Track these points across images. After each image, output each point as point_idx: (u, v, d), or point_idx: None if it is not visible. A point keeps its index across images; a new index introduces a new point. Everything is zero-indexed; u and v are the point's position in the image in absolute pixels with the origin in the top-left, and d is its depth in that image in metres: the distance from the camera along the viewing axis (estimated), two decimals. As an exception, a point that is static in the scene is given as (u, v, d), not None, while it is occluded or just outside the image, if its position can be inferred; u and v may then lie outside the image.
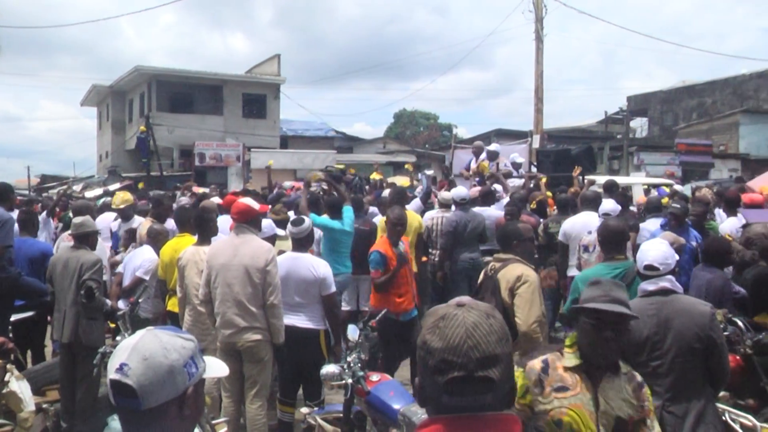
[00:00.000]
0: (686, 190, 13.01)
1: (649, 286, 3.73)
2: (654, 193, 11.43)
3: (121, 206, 8.56)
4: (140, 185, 16.98)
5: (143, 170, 24.24)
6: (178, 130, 29.66)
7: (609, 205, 7.25)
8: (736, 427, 4.09)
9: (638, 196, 11.82)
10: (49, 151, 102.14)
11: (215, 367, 1.81)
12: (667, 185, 13.06)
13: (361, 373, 4.35)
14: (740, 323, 5.05)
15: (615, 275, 4.45)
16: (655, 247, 3.82)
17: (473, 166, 11.75)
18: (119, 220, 8.67)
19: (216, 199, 8.95)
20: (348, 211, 7.59)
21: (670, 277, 3.71)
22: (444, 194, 8.98)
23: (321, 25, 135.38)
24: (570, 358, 2.69)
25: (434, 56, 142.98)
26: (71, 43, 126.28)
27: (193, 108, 31.49)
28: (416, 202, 8.78)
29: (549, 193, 10.14)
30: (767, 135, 30.18)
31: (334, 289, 5.48)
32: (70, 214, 8.39)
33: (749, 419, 4.14)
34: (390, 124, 56.81)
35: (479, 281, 4.81)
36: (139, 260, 6.52)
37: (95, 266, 5.61)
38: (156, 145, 24.31)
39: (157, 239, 6.59)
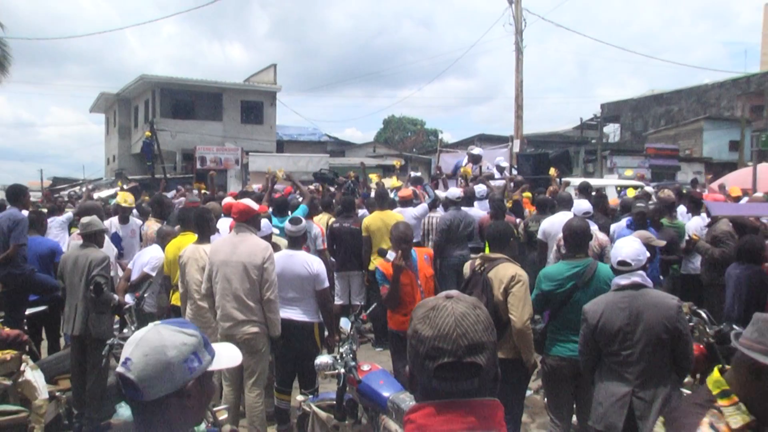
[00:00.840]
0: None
1: (621, 280, 3.76)
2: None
3: (133, 206, 8.55)
4: (119, 184, 16.82)
5: (148, 173, 24.12)
6: (180, 135, 29.55)
7: (584, 205, 7.27)
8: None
9: (611, 199, 11.86)
10: (59, 155, 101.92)
11: (225, 358, 1.76)
12: (636, 187, 13.13)
13: (352, 363, 4.37)
14: (703, 314, 5.11)
15: (575, 272, 4.49)
16: (628, 244, 3.86)
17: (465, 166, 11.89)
18: (116, 220, 8.41)
19: (228, 199, 8.88)
20: (299, 210, 7.61)
21: (641, 272, 3.76)
22: (431, 195, 9.01)
23: (314, 36, 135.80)
24: (735, 416, 1.96)
25: (420, 66, 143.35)
26: (79, 54, 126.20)
27: (194, 114, 31.38)
28: (423, 207, 8.75)
29: (528, 194, 10.15)
30: (728, 140, 30.48)
31: (327, 284, 5.47)
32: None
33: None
34: (379, 129, 56.78)
35: (467, 277, 4.77)
36: (147, 257, 6.51)
37: (103, 263, 5.60)
38: (160, 149, 24.15)
39: (165, 239, 6.58)
